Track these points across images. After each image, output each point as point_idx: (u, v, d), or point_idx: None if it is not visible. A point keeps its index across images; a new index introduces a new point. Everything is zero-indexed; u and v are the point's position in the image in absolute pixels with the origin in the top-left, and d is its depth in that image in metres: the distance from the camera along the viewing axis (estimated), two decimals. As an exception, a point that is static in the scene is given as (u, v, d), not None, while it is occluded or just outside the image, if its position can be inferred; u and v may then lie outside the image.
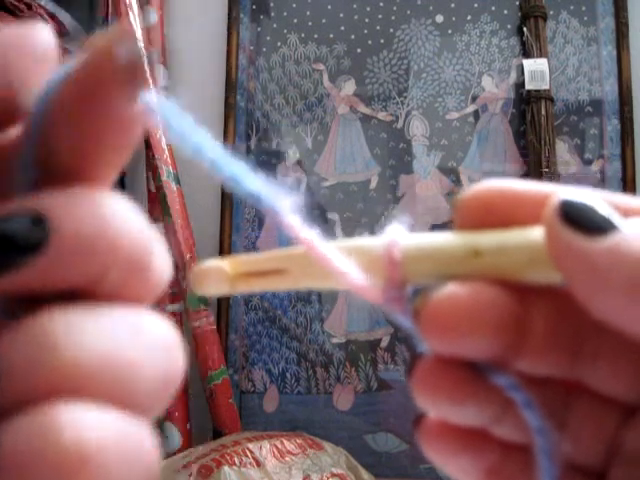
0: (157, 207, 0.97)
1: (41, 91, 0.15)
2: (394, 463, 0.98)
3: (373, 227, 1.04)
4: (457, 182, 1.04)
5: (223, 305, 1.02)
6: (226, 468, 0.72)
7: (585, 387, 0.19)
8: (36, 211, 0.14)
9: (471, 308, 0.17)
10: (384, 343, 1.01)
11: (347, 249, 0.18)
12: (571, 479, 0.19)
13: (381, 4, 1.08)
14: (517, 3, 1.05)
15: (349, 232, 1.04)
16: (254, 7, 1.09)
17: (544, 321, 0.18)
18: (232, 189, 0.18)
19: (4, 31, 0.15)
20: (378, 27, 1.08)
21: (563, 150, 1.03)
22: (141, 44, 0.15)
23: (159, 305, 0.96)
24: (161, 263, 0.16)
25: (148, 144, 0.95)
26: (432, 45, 1.07)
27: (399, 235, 0.18)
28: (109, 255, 0.15)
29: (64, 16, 0.99)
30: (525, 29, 1.03)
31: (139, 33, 0.97)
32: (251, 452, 0.76)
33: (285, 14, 1.09)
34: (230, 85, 1.06)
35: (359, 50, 1.08)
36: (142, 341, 0.15)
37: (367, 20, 1.08)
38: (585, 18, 1.05)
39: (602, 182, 1.01)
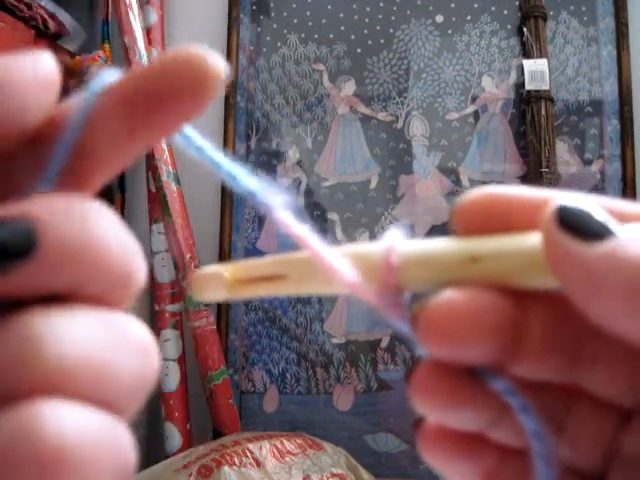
0: (157, 207, 0.97)
1: (82, 103, 0.16)
2: (394, 463, 0.98)
3: (373, 227, 1.04)
4: (457, 182, 1.04)
5: (223, 305, 1.02)
6: (226, 468, 0.72)
7: (583, 391, 0.19)
8: (25, 219, 0.15)
9: (469, 313, 0.17)
10: (384, 343, 1.01)
11: (345, 255, 0.18)
12: None
13: (381, 4, 1.08)
14: (517, 3, 1.06)
15: (349, 232, 1.04)
16: (254, 7, 1.09)
17: (541, 326, 0.18)
18: (230, 186, 0.18)
19: (8, 58, 0.16)
20: (378, 27, 1.08)
21: (563, 150, 1.03)
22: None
23: (159, 305, 0.96)
24: (139, 272, 0.17)
25: (148, 144, 0.95)
26: (432, 45, 1.07)
27: (397, 241, 0.18)
28: (92, 266, 0.15)
29: (64, 16, 0.99)
30: (525, 29, 1.03)
31: (139, 33, 0.97)
32: (251, 452, 0.76)
33: (285, 14, 1.09)
34: (230, 85, 1.06)
35: (359, 50, 1.08)
36: (121, 343, 0.16)
37: (367, 20, 1.08)
38: (585, 18, 1.05)
39: (602, 182, 1.02)
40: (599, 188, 1.01)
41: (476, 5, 1.07)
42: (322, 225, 1.04)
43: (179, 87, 0.16)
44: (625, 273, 0.15)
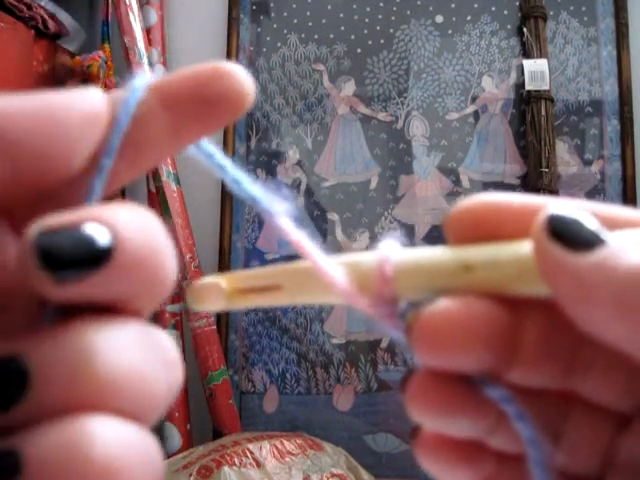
0: (157, 207, 0.97)
1: (126, 102, 0.17)
2: (394, 463, 0.98)
3: (373, 227, 1.04)
4: (457, 182, 1.04)
5: (223, 305, 1.02)
6: (226, 468, 0.72)
7: (579, 397, 0.19)
8: (106, 224, 0.15)
9: (462, 322, 0.17)
10: (384, 344, 1.01)
11: (340, 264, 0.18)
12: None
13: (381, 4, 1.08)
14: (517, 3, 1.06)
15: (349, 232, 1.04)
16: (254, 7, 1.09)
17: (536, 333, 0.18)
18: (232, 191, 0.19)
19: (54, 96, 0.16)
20: (378, 27, 1.08)
21: (563, 150, 1.03)
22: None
23: (159, 305, 0.96)
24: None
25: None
26: (432, 45, 1.07)
27: (391, 251, 0.18)
28: (153, 279, 0.16)
29: (64, 16, 0.99)
30: (525, 29, 1.03)
31: (139, 33, 0.97)
32: (251, 452, 0.76)
33: (285, 14, 1.09)
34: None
35: (359, 50, 1.08)
36: (156, 357, 0.16)
37: (367, 20, 1.08)
38: (585, 18, 1.05)
39: (602, 182, 1.02)
40: (599, 188, 1.01)
41: (476, 5, 1.07)
42: (322, 225, 1.04)
43: (226, 96, 0.17)
44: (615, 283, 0.15)
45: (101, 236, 0.14)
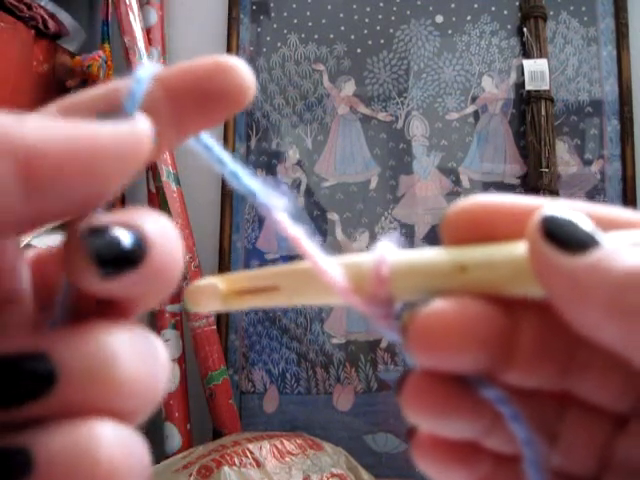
0: (157, 207, 0.97)
1: (131, 94, 0.17)
2: (394, 463, 0.98)
3: (373, 227, 1.04)
4: (457, 182, 1.04)
5: (223, 305, 1.02)
6: (226, 468, 0.72)
7: (575, 398, 0.19)
8: (138, 230, 0.15)
9: (458, 323, 0.17)
10: (384, 343, 1.01)
11: (337, 265, 0.18)
12: None
13: (381, 4, 1.08)
14: (517, 3, 1.06)
15: (349, 232, 1.04)
16: (254, 7, 1.10)
17: (532, 334, 0.18)
18: (232, 185, 0.19)
19: (102, 128, 0.15)
20: (378, 27, 1.08)
21: (563, 150, 1.03)
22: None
23: (159, 305, 0.96)
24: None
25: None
26: (432, 45, 1.07)
27: (387, 252, 0.18)
28: (171, 283, 0.16)
29: (64, 16, 0.99)
30: (525, 29, 1.03)
31: (139, 33, 0.97)
32: (251, 452, 0.76)
33: (285, 14, 1.09)
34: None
35: (359, 50, 1.08)
36: (155, 361, 0.17)
37: (367, 20, 1.08)
38: (585, 18, 1.05)
39: (602, 182, 1.02)
40: (599, 188, 1.01)
41: (476, 5, 1.07)
42: (322, 225, 1.04)
43: (228, 90, 0.17)
44: (608, 285, 0.15)
45: (137, 239, 0.15)
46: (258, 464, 0.74)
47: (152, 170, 0.96)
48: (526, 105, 1.02)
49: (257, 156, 1.07)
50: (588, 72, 1.04)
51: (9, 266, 0.17)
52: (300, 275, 0.19)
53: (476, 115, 1.05)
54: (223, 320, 1.02)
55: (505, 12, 1.06)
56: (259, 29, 1.09)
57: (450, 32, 1.07)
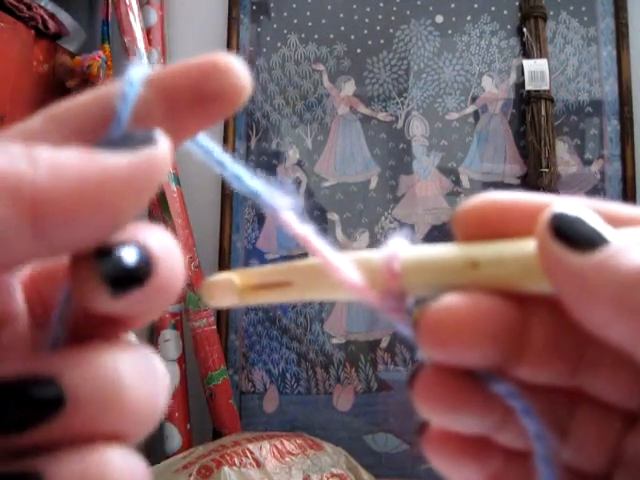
0: (157, 207, 0.97)
1: (124, 96, 0.16)
2: (394, 463, 0.98)
3: (373, 227, 1.04)
4: (457, 182, 1.04)
5: (223, 305, 1.02)
6: (226, 468, 0.72)
7: (587, 395, 0.19)
8: (143, 247, 0.15)
9: (469, 318, 0.17)
10: (384, 343, 1.01)
11: (349, 261, 0.19)
12: None
13: (381, 4, 1.08)
14: (517, 3, 1.06)
15: (349, 232, 1.04)
16: (254, 7, 1.10)
17: (544, 330, 0.18)
18: (234, 187, 0.19)
19: (116, 162, 0.15)
20: (378, 27, 1.08)
21: (563, 150, 1.03)
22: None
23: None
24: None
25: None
26: (432, 45, 1.07)
27: (399, 247, 0.18)
28: (172, 298, 0.16)
29: (64, 16, 0.99)
30: (525, 29, 1.03)
31: (139, 33, 0.97)
32: (251, 452, 0.76)
33: (285, 14, 1.09)
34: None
35: (359, 50, 1.08)
36: (158, 381, 0.17)
37: (367, 20, 1.08)
38: (585, 18, 1.05)
39: (602, 182, 1.02)
40: (599, 188, 1.01)
41: (476, 5, 1.07)
42: (322, 225, 1.04)
43: (225, 92, 0.17)
44: (616, 282, 0.15)
45: (143, 256, 0.15)
46: (258, 464, 0.74)
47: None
48: (526, 105, 1.02)
49: (257, 156, 1.07)
50: (588, 72, 1.04)
51: (4, 286, 0.16)
52: (313, 270, 0.19)
53: (476, 115, 1.05)
54: (223, 320, 1.02)
55: (505, 12, 1.06)
56: (259, 29, 1.09)
57: (450, 32, 1.07)
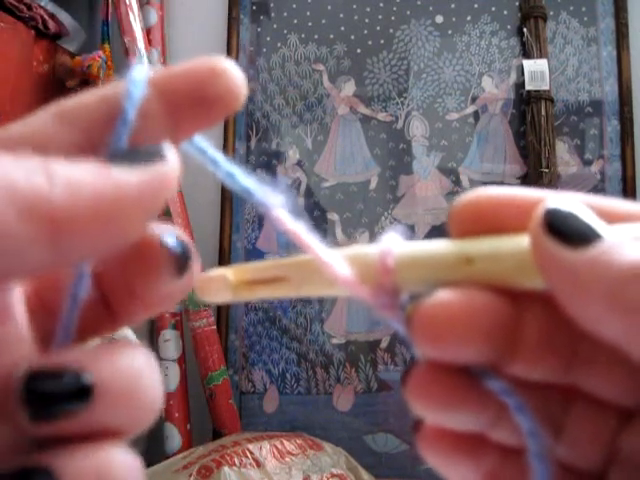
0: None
1: (129, 97, 0.16)
2: (394, 464, 0.98)
3: (373, 227, 1.04)
4: (457, 182, 1.04)
5: (223, 306, 1.02)
6: (226, 468, 0.72)
7: (581, 392, 0.19)
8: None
9: (463, 313, 0.17)
10: (384, 344, 1.01)
11: (342, 256, 0.19)
12: None
13: (381, 4, 1.08)
14: (517, 4, 1.06)
15: (349, 232, 1.04)
16: (254, 7, 1.09)
17: (537, 327, 0.18)
18: (228, 185, 0.19)
19: (128, 179, 0.15)
20: (378, 27, 1.08)
21: (563, 150, 1.03)
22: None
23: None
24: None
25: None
26: (432, 45, 1.07)
27: (393, 243, 0.18)
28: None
29: (64, 16, 0.99)
30: (525, 29, 1.03)
31: (139, 33, 0.97)
32: (251, 452, 0.76)
33: (285, 15, 1.09)
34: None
35: (359, 50, 1.08)
36: (160, 382, 0.17)
37: (367, 20, 1.08)
38: (585, 19, 1.05)
39: (602, 182, 1.02)
40: (599, 188, 1.01)
41: (476, 5, 1.07)
42: (322, 225, 1.04)
43: (223, 96, 0.17)
44: (609, 278, 0.15)
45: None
46: (258, 464, 0.74)
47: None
48: (526, 105, 1.02)
49: (257, 156, 1.07)
50: (588, 72, 1.04)
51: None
52: (308, 266, 0.19)
53: (476, 115, 1.05)
54: (223, 320, 1.02)
55: (505, 12, 1.06)
56: (259, 29, 1.09)
57: (450, 32, 1.07)
